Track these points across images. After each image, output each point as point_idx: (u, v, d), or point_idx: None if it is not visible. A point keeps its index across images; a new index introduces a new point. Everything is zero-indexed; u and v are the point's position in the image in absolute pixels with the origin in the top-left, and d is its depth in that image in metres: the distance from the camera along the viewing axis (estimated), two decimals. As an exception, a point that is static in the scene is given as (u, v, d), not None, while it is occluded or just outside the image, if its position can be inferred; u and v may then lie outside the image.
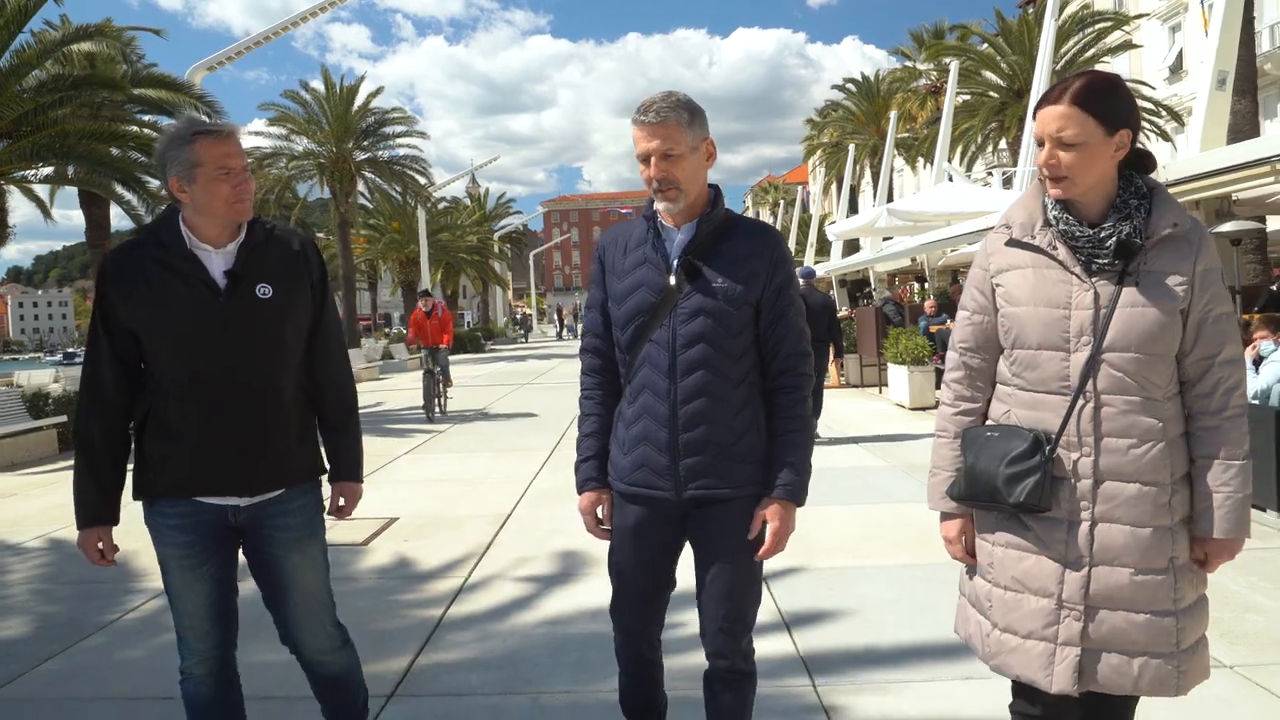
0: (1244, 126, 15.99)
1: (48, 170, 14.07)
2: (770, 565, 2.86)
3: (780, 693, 3.44)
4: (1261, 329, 7.63)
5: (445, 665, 3.91)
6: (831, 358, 11.69)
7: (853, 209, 33.00)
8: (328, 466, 2.69)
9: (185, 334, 2.37)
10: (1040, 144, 2.04)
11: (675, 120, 2.30)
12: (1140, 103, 26.96)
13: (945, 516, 2.25)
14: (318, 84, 33.15)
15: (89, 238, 20.71)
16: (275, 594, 2.57)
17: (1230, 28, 10.31)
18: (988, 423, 2.19)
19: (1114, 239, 2.00)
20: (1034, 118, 2.08)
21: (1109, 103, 1.99)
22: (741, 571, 2.40)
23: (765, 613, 3.43)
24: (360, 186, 34.69)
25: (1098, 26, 28.60)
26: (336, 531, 6.39)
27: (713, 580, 2.41)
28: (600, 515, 2.50)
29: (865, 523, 6.04)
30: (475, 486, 7.94)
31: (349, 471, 2.73)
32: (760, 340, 2.41)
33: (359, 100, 33.56)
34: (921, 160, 37.88)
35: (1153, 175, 2.11)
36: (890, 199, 25.84)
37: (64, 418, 11.71)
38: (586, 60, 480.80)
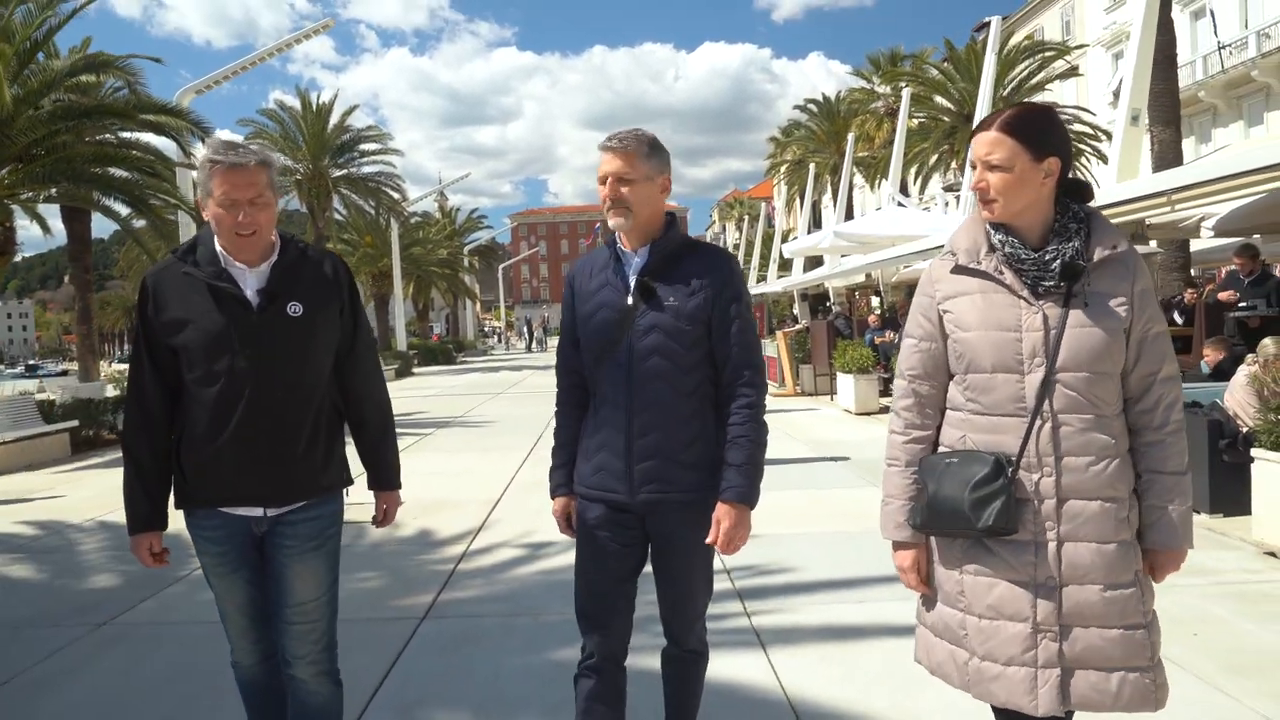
0: (1168, 154, 17.29)
1: (50, 191, 14.86)
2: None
3: (720, 613, 4.56)
4: (1210, 348, 8.39)
5: (462, 600, 5.03)
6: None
7: (816, 225, 34.42)
8: (352, 478, 2.76)
9: (217, 349, 2.44)
10: (974, 167, 2.14)
11: (635, 150, 2.51)
12: (1081, 127, 28.73)
13: (899, 546, 2.25)
14: (292, 100, 34.08)
15: (71, 251, 21.50)
16: (275, 598, 2.59)
17: (1142, 72, 11.47)
18: (941, 449, 2.19)
19: (1059, 261, 2.05)
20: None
21: (1036, 131, 2.07)
22: (694, 569, 2.62)
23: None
24: (335, 202, 35.54)
25: (1041, 55, 30.28)
26: (353, 511, 7.45)
27: (667, 577, 2.63)
28: (571, 518, 2.72)
29: (801, 503, 7.19)
30: (466, 478, 9.00)
31: (390, 481, 2.85)
32: (714, 352, 2.55)
33: (334, 118, 34.43)
34: (880, 179, 39.42)
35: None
36: (850, 216, 27.22)
37: (75, 422, 12.61)
38: (552, 72, 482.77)
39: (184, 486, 2.53)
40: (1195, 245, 16.06)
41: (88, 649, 4.47)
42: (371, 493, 2.86)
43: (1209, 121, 32.12)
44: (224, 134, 25.38)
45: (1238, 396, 6.26)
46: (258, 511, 2.53)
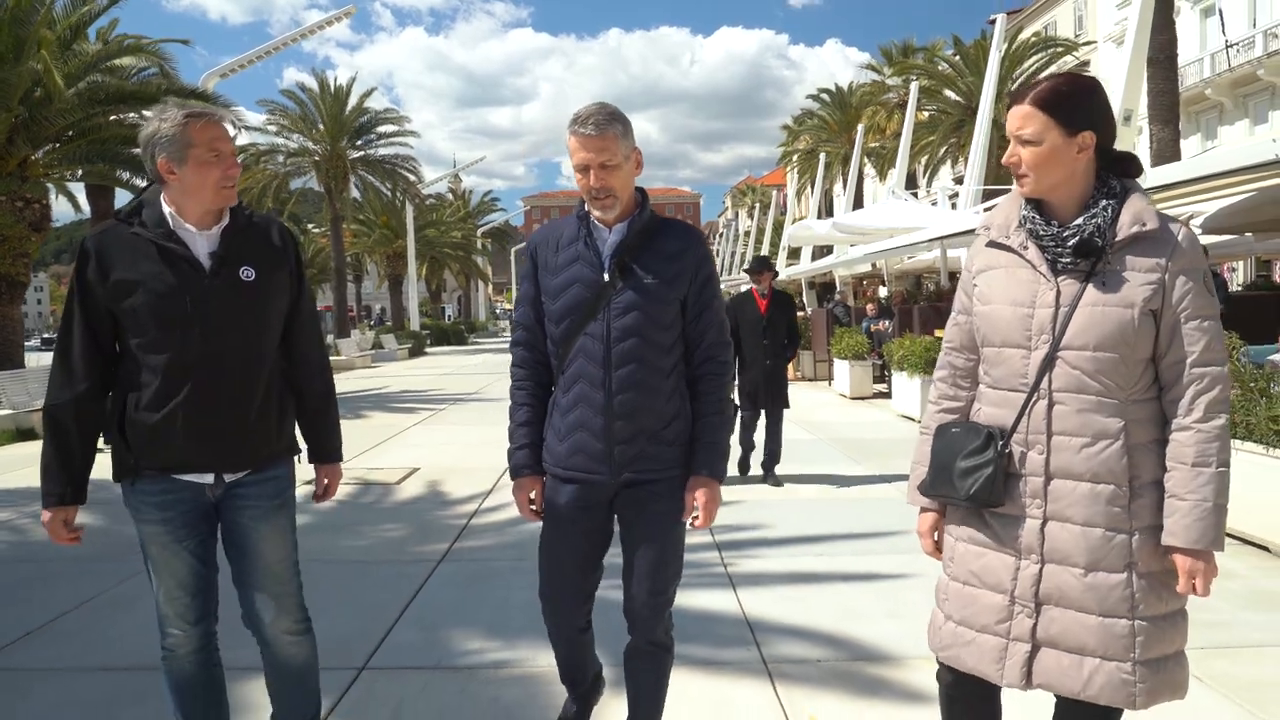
0: (1166, 153, 17.75)
1: (80, 170, 15.56)
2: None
3: (699, 561, 5.23)
4: None
5: (475, 547, 5.71)
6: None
7: (828, 213, 34.84)
8: (299, 447, 2.70)
9: (169, 314, 2.37)
10: (1009, 142, 2.09)
11: (613, 132, 2.41)
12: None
13: (922, 510, 2.26)
14: (309, 81, 34.84)
15: (94, 228, 22.47)
16: (241, 563, 2.58)
17: (1135, 74, 11.89)
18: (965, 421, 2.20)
19: (1076, 238, 2.00)
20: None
21: (1069, 104, 2.00)
22: (667, 546, 2.57)
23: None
24: (352, 183, 36.23)
25: (1050, 51, 30.66)
26: (375, 474, 8.16)
27: (640, 555, 2.57)
28: (533, 498, 2.64)
29: (784, 474, 7.83)
30: (476, 448, 9.67)
31: (330, 454, 2.78)
32: (685, 331, 2.56)
33: (352, 100, 35.08)
34: (889, 169, 39.85)
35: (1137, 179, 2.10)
36: (861, 205, 27.68)
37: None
38: (568, 54, 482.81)
39: (126, 456, 2.44)
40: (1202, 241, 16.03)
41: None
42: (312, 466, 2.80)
43: (1215, 119, 32.39)
44: (241, 112, 25.97)
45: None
46: (210, 478, 2.49)
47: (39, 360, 22.60)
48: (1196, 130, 32.60)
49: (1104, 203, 2.02)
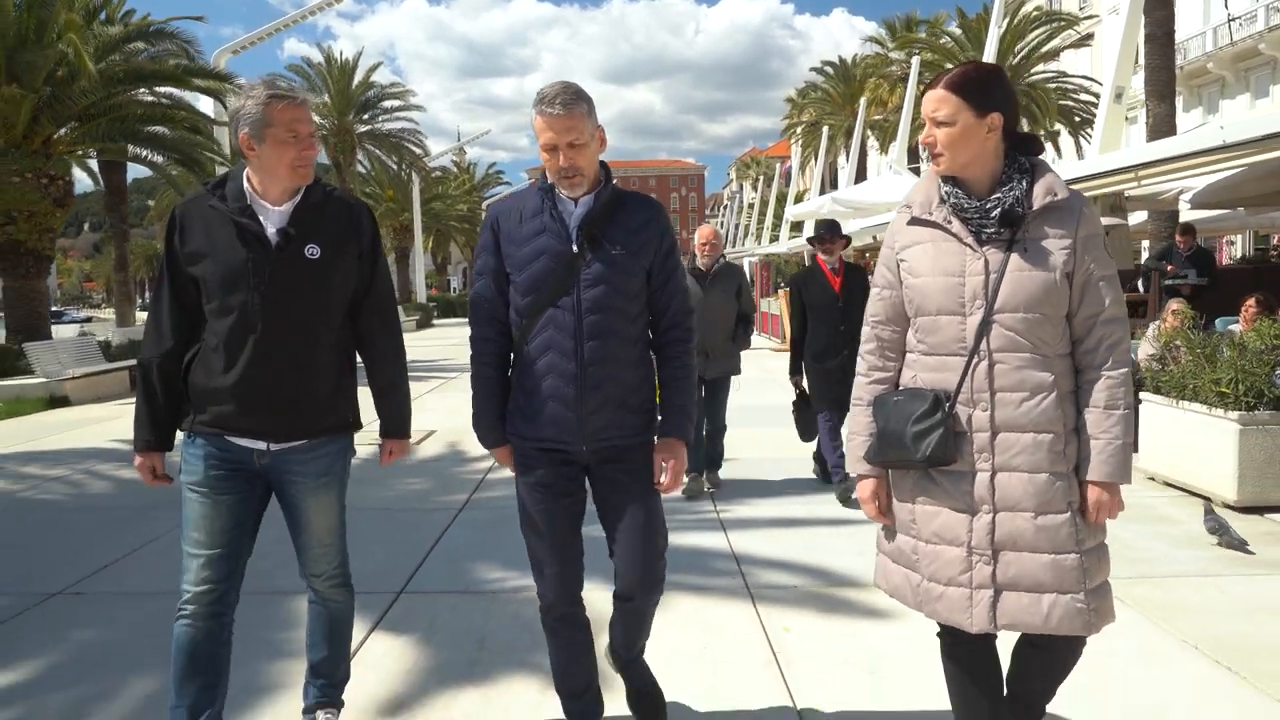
0: (1162, 128, 18.05)
1: (101, 147, 16.04)
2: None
3: (695, 508, 5.81)
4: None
5: (491, 497, 6.31)
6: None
7: (833, 185, 35.16)
8: (361, 422, 2.77)
9: (233, 284, 2.47)
10: (924, 124, 2.24)
11: (579, 111, 2.44)
12: (1087, 97, 29.39)
13: (861, 477, 2.38)
14: (314, 54, 35.25)
15: (108, 202, 23.22)
16: (292, 528, 2.73)
17: (1127, 52, 12.07)
18: (901, 389, 2.31)
19: (999, 209, 2.15)
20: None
21: (979, 89, 2.17)
22: (650, 508, 2.62)
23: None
24: (359, 156, 36.65)
25: (1052, 25, 30.82)
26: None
27: (627, 522, 2.60)
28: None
29: (775, 436, 8.40)
30: (489, 414, 10.26)
31: (399, 428, 2.84)
32: (651, 301, 2.61)
33: (359, 75, 35.42)
34: (891, 142, 40.02)
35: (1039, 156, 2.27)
36: (864, 178, 28.02)
37: (133, 360, 13.93)
38: (570, 24, 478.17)
39: (186, 408, 2.59)
40: (1197, 216, 15.95)
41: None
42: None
43: (1217, 93, 32.61)
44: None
45: (1144, 349, 7.39)
46: (261, 445, 2.58)
47: (57, 332, 23.35)
48: (1198, 104, 32.84)
49: (1017, 177, 2.20)
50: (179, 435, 2.67)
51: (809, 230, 27.02)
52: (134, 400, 2.67)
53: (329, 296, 2.58)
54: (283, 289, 2.49)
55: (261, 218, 2.51)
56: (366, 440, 3.05)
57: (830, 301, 6.01)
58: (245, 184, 2.53)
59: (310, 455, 2.63)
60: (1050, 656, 2.33)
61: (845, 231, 6.59)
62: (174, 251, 2.54)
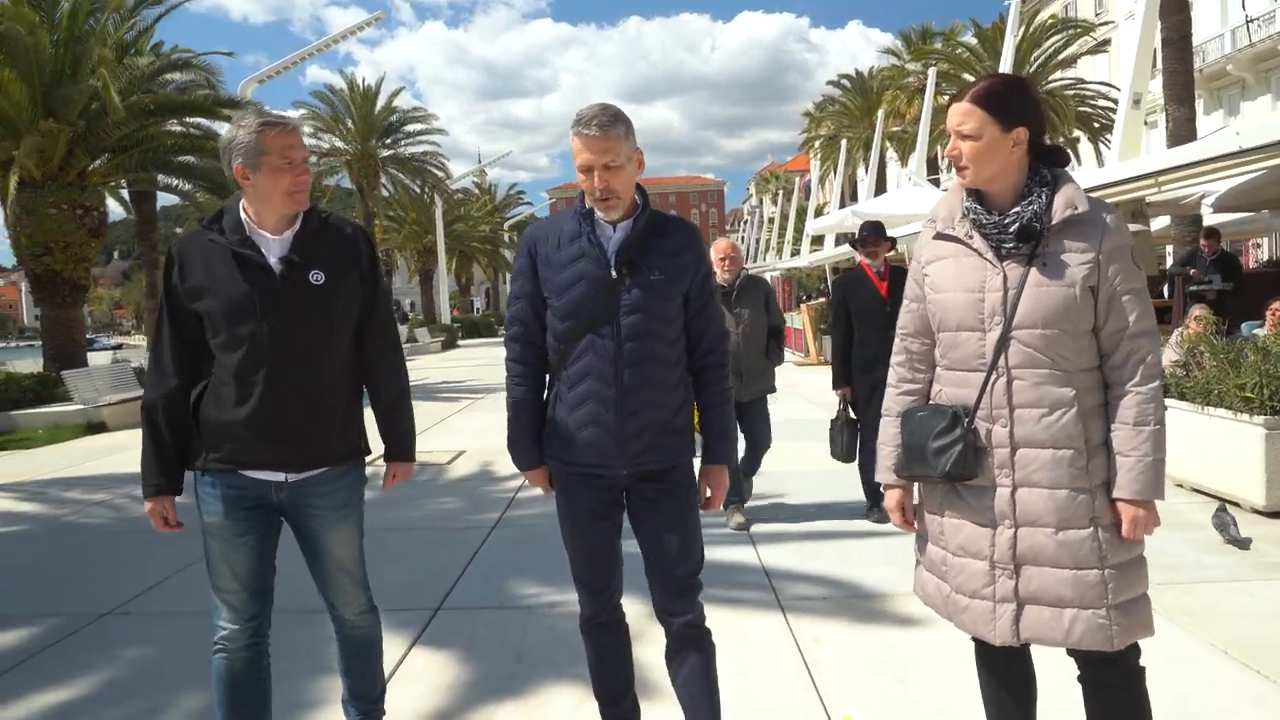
0: (1182, 132, 17.97)
1: (133, 177, 16.41)
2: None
3: (723, 522, 5.89)
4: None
5: (523, 515, 6.43)
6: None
7: (852, 198, 35.22)
8: (372, 448, 2.76)
9: (239, 316, 2.46)
10: (947, 136, 2.23)
11: (616, 134, 2.43)
12: (1105, 104, 29.29)
13: (888, 487, 2.41)
14: (337, 81, 35.88)
15: (138, 230, 23.56)
16: (311, 561, 2.73)
17: (1144, 57, 11.95)
18: (927, 403, 2.32)
19: (1017, 224, 2.13)
20: None
21: (1004, 102, 2.15)
22: (688, 531, 2.61)
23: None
24: (382, 180, 37.14)
25: (1068, 32, 30.78)
26: (426, 456, 8.89)
27: (665, 544, 2.59)
28: (550, 482, 2.72)
29: (804, 450, 8.46)
30: (517, 433, 10.40)
31: (403, 452, 2.84)
32: (688, 325, 2.62)
33: (381, 100, 35.98)
34: (911, 154, 40.00)
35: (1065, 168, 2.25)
36: (884, 190, 28.04)
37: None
38: (588, 44, 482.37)
39: (199, 446, 2.55)
40: (1221, 219, 15.82)
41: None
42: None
43: (1238, 95, 32.35)
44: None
45: (1168, 355, 7.39)
46: (279, 477, 2.57)
47: (91, 360, 23.80)
48: (1219, 106, 32.60)
49: (1038, 190, 2.16)
50: (188, 475, 2.66)
51: (830, 244, 27.21)
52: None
53: (335, 322, 2.59)
54: (290, 317, 2.50)
55: (263, 248, 2.51)
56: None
57: (878, 306, 5.71)
58: (242, 215, 2.53)
59: (330, 488, 2.63)
60: (1107, 695, 2.27)
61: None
62: (173, 289, 2.53)
